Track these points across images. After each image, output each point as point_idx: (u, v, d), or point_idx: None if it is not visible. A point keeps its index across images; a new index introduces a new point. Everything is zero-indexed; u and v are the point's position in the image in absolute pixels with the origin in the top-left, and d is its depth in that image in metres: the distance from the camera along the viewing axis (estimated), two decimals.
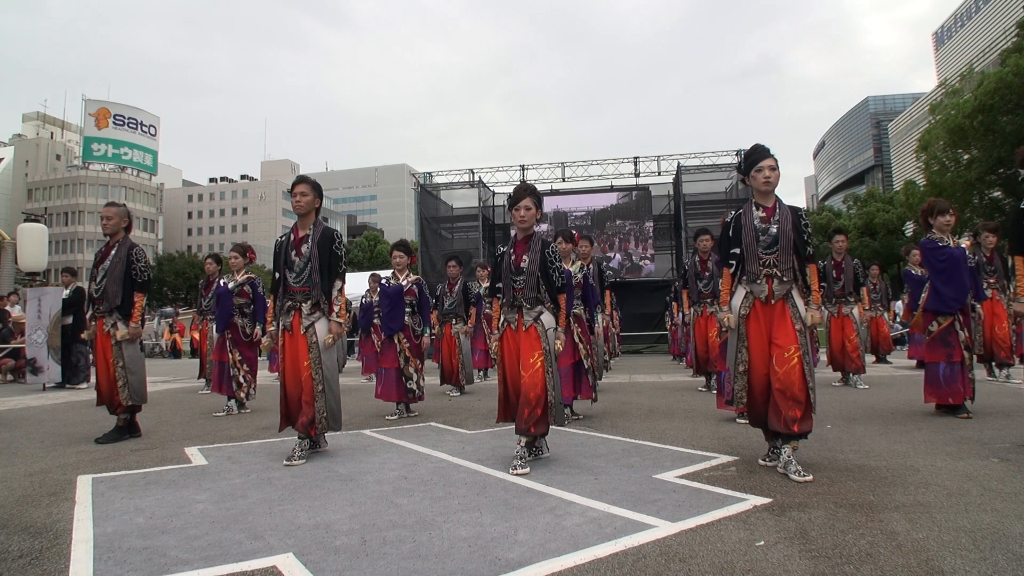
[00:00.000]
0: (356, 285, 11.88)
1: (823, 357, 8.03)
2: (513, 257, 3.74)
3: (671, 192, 18.66)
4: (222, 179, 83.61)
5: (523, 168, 19.21)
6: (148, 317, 20.67)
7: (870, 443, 3.96)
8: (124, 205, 5.01)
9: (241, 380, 6.35)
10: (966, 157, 26.06)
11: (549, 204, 18.48)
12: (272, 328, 4.17)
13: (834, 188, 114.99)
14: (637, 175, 18.96)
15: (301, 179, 4.08)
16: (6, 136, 72.69)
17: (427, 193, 19.16)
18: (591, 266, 5.61)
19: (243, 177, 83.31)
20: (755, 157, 3.38)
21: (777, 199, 3.42)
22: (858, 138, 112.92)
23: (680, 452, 3.87)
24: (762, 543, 2.24)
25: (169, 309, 30.75)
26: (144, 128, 65.51)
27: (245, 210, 78.75)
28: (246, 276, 6.59)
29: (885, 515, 2.50)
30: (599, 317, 5.98)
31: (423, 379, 5.89)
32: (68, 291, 9.32)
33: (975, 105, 23.59)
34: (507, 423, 3.79)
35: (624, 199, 18.94)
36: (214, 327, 6.98)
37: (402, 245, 5.93)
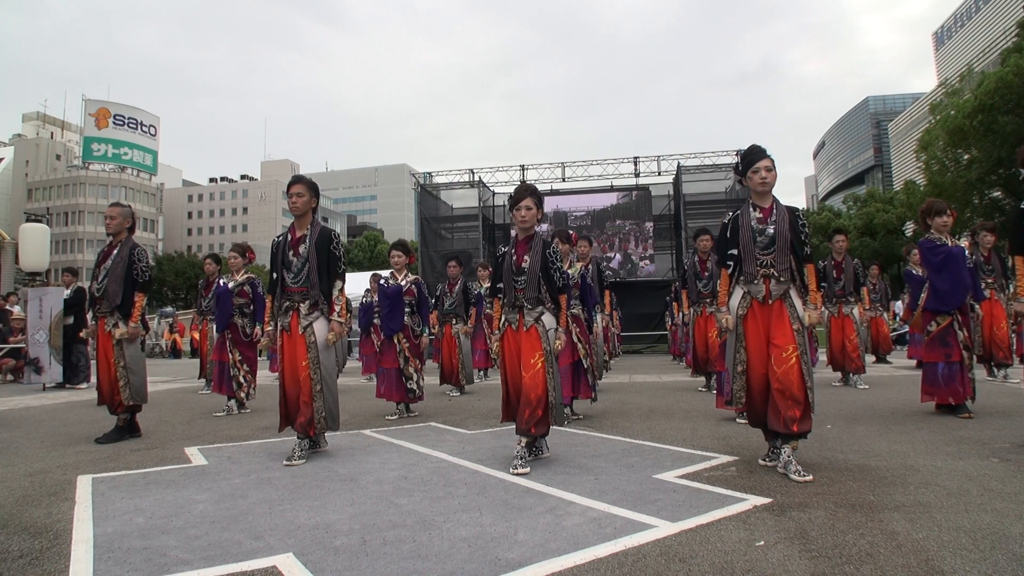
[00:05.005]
0: (356, 285, 11.89)
1: (823, 357, 8.03)
2: (514, 257, 3.75)
3: (671, 192, 18.66)
4: (222, 179, 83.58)
5: (523, 168, 19.21)
6: (149, 317, 20.67)
7: (870, 443, 3.96)
8: (129, 206, 5.02)
9: (241, 380, 6.35)
10: (966, 157, 26.08)
11: (549, 204, 18.48)
12: (270, 328, 4.18)
13: (834, 188, 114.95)
14: (637, 175, 18.97)
15: (297, 179, 4.06)
16: (6, 136, 72.76)
17: (427, 193, 19.15)
18: (590, 266, 5.61)
19: (243, 177, 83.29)
20: (751, 158, 3.38)
21: (774, 199, 3.42)
22: (858, 138, 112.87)
23: (680, 452, 3.87)
24: (762, 543, 2.24)
25: (169, 309, 30.74)
26: (144, 128, 65.50)
27: (245, 210, 78.74)
28: (246, 276, 6.59)
29: (885, 515, 2.50)
30: (598, 317, 5.98)
31: (423, 379, 5.90)
32: (69, 291, 9.32)
33: (975, 105, 23.62)
34: (511, 423, 3.79)
35: (624, 199, 18.93)
36: (214, 327, 6.98)
37: (400, 245, 5.93)
